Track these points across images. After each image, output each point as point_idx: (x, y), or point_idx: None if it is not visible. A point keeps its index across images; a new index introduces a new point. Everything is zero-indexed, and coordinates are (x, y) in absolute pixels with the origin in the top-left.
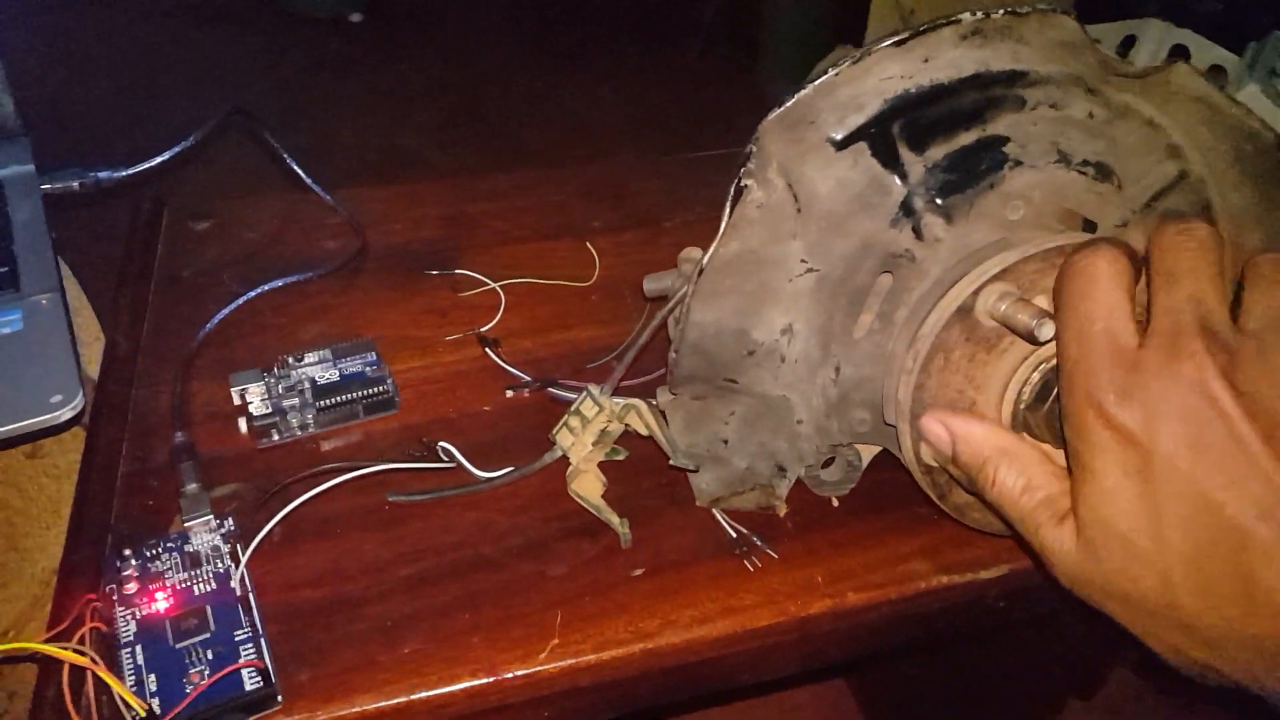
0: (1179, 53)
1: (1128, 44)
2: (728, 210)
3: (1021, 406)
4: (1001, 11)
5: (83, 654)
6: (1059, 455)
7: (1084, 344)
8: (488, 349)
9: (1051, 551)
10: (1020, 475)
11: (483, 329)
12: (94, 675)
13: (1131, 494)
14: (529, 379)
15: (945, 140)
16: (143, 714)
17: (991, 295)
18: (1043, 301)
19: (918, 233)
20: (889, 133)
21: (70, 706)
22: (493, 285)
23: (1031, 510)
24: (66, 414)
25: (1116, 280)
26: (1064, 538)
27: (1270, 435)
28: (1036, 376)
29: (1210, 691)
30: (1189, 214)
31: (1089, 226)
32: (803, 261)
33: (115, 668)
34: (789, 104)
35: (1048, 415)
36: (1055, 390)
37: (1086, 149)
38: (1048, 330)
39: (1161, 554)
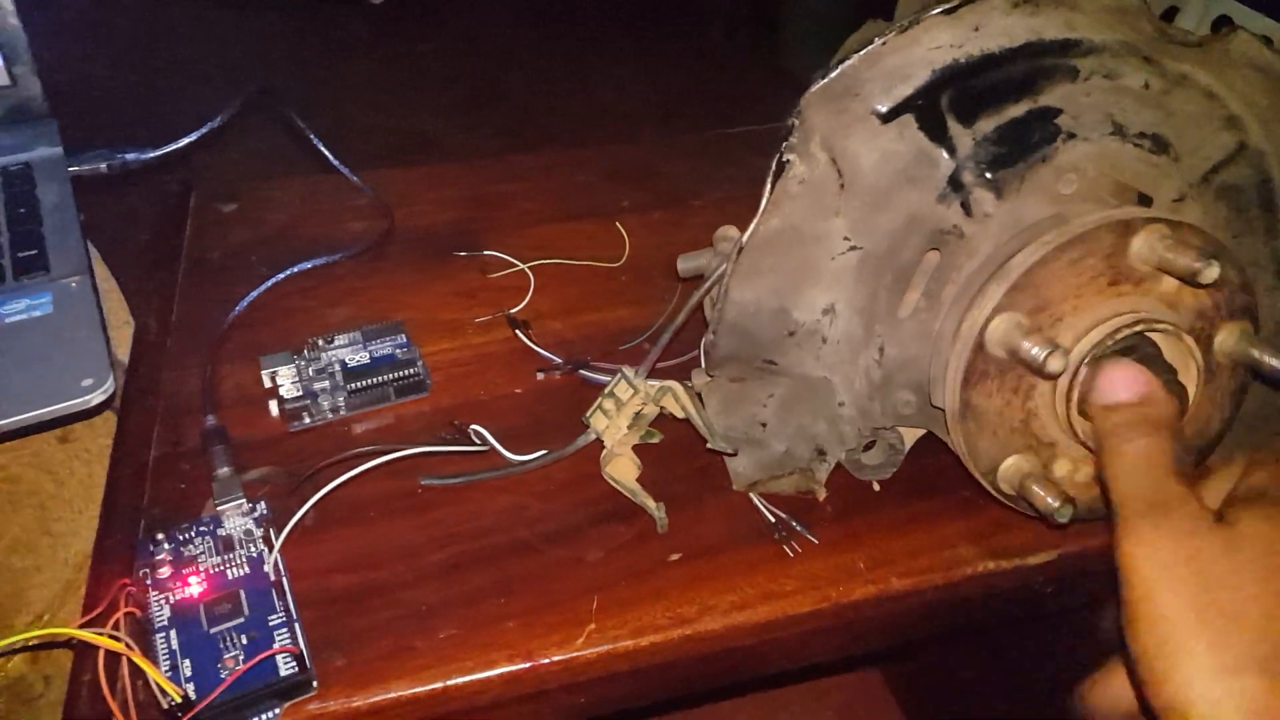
0: (1223, 23)
1: (1170, 15)
2: (768, 186)
3: (1073, 404)
4: None
5: (117, 639)
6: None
7: (1129, 489)
8: (518, 331)
9: (1175, 514)
10: (1180, 456)
11: (512, 310)
12: (129, 660)
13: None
14: (560, 361)
15: (995, 112)
16: (178, 699)
17: (998, 330)
18: (1067, 309)
19: (966, 208)
20: (937, 104)
21: (106, 692)
22: (521, 266)
23: (1176, 475)
24: (97, 398)
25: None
26: (1201, 511)
27: None
28: (1085, 371)
29: None
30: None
31: (1144, 200)
32: (845, 239)
33: (150, 653)
34: (833, 75)
35: None
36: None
37: (1142, 120)
38: (1056, 364)
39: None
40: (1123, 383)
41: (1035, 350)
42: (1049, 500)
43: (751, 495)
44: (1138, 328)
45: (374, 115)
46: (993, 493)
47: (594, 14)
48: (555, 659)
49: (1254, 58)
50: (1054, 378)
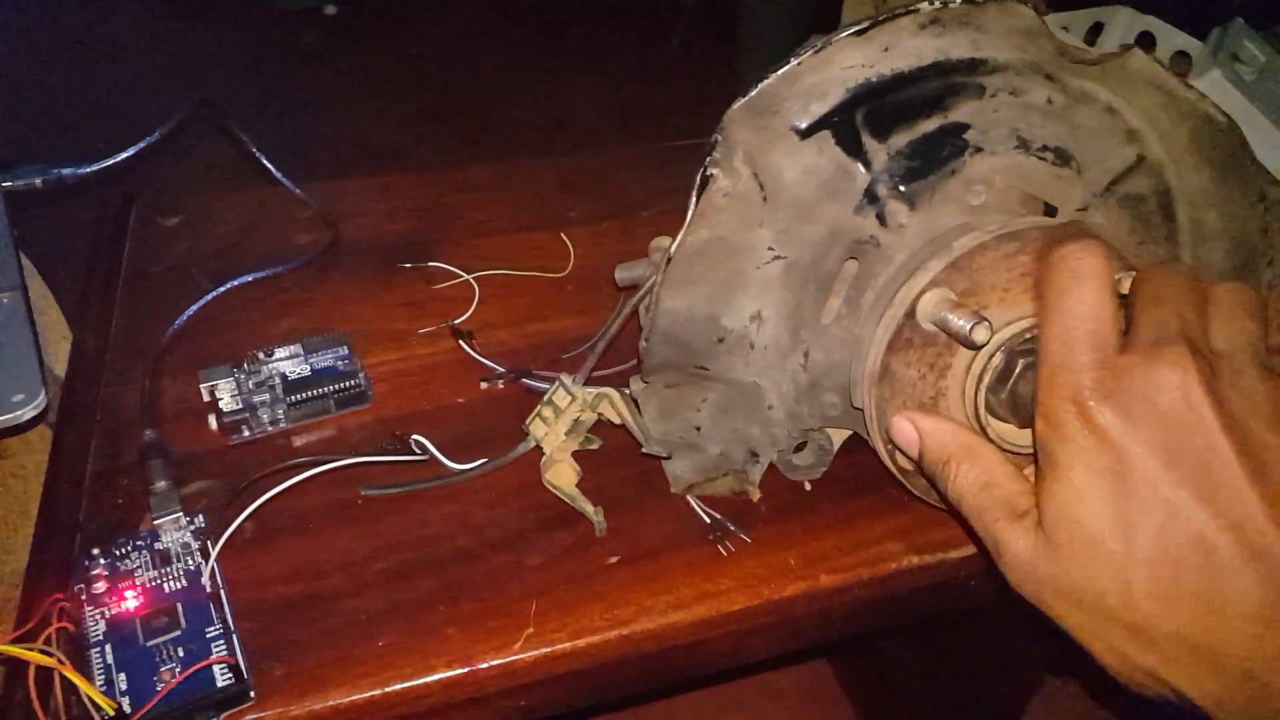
0: (1145, 39)
1: (1096, 31)
2: (694, 198)
3: (984, 387)
4: (960, 0)
5: (49, 654)
6: (1019, 459)
7: (1069, 341)
8: (461, 341)
9: (1005, 546)
10: (982, 472)
11: (456, 321)
12: (61, 676)
13: (1102, 495)
14: (503, 370)
15: (907, 127)
16: (111, 713)
17: (929, 302)
18: (994, 298)
19: (882, 219)
20: (852, 121)
21: (37, 707)
22: (466, 277)
23: (989, 506)
24: (29, 413)
25: (1105, 281)
26: (1020, 534)
27: (1244, 450)
28: (999, 359)
29: (1147, 705)
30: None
31: (1050, 210)
32: (770, 249)
33: (84, 668)
34: (753, 93)
35: (1009, 396)
36: (1017, 371)
37: (1046, 134)
38: (982, 334)
39: (1126, 557)
40: (902, 438)
41: (962, 321)
42: (962, 321)
43: (689, 498)
44: None
45: (330, 126)
46: (890, 466)
47: (554, 24)
48: (493, 663)
49: (1149, 75)
50: (977, 348)
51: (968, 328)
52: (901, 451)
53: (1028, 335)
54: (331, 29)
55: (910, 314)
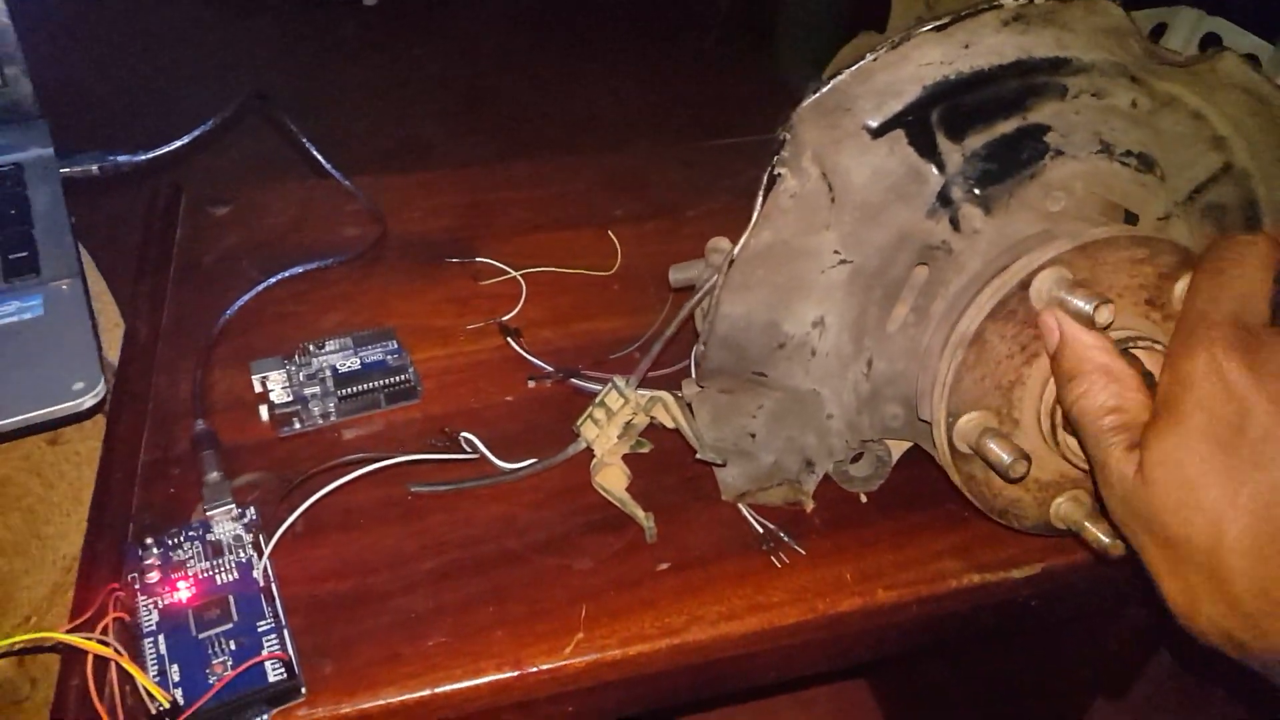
0: (1211, 41)
1: (1158, 31)
2: (760, 200)
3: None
4: None
5: (106, 644)
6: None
7: (1218, 301)
8: (509, 338)
9: (1113, 473)
10: (1114, 396)
11: (504, 318)
12: (117, 665)
13: (1214, 442)
14: (552, 369)
15: (984, 129)
16: (166, 705)
17: (1048, 278)
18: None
19: (955, 224)
20: (927, 120)
21: (95, 697)
22: (513, 274)
23: (1110, 430)
24: (89, 401)
25: (1269, 265)
26: (1130, 463)
27: None
28: None
29: (1214, 659)
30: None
31: (1131, 219)
32: (836, 253)
33: (138, 658)
34: (825, 90)
35: None
36: None
37: (1129, 139)
38: (1105, 314)
39: (1227, 506)
40: (1044, 329)
41: (1082, 303)
42: (1003, 455)
43: (740, 506)
44: (1156, 346)
45: (368, 119)
46: (943, 445)
47: (589, 20)
48: (543, 668)
49: (1241, 79)
50: (1098, 328)
51: (1090, 307)
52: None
53: (1126, 345)
54: (369, 22)
55: (1024, 285)
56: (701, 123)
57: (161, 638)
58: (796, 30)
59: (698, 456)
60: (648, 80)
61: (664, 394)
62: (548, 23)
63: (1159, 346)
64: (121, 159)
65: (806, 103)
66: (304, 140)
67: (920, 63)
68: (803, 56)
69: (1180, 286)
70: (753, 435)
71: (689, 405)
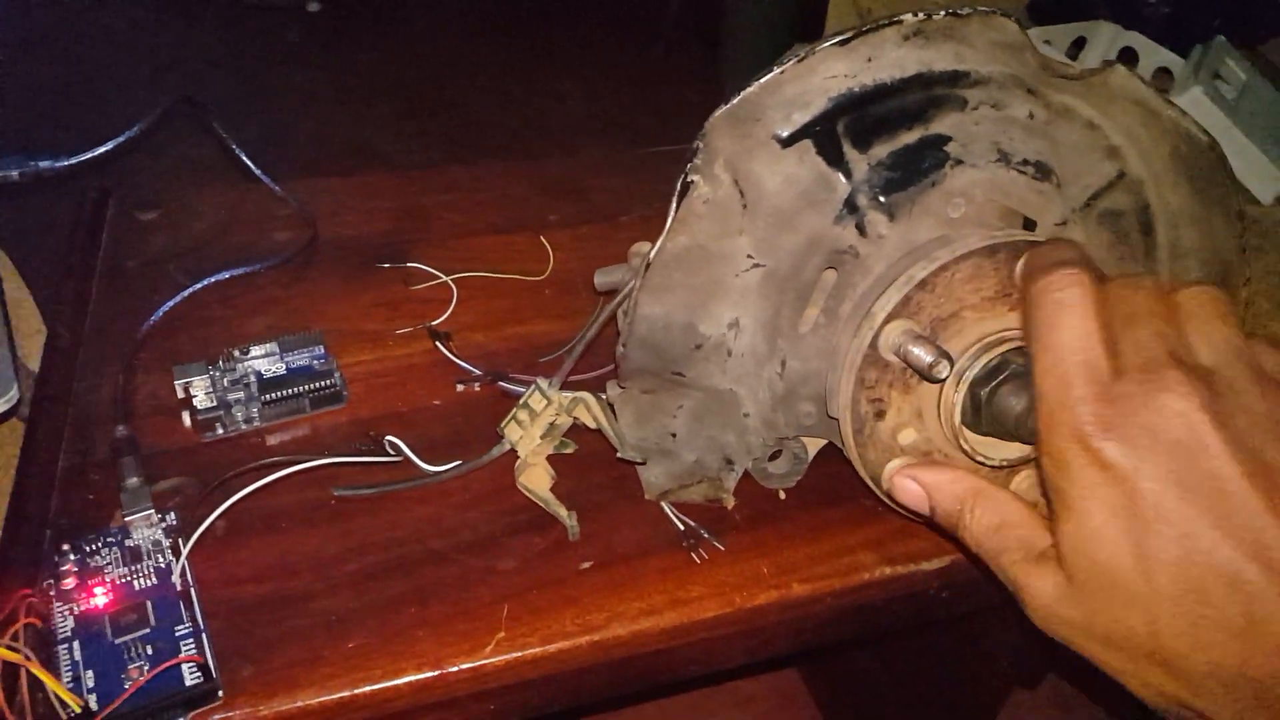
0: (1127, 55)
1: (1079, 45)
2: (674, 205)
3: (958, 413)
4: (944, 13)
5: (15, 650)
6: (1029, 496)
7: (1062, 375)
8: (438, 342)
9: (1026, 589)
10: (995, 513)
11: (434, 322)
12: (28, 672)
13: (1119, 533)
14: (479, 372)
15: (889, 139)
16: (78, 710)
17: (893, 333)
18: (972, 313)
19: (861, 229)
20: (834, 130)
21: (2, 704)
22: (445, 278)
23: (1006, 548)
24: (1, 406)
25: (1090, 308)
26: (1040, 576)
27: (1253, 471)
28: (964, 389)
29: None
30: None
31: (1029, 225)
32: (749, 257)
33: (51, 664)
34: (735, 101)
35: (989, 420)
36: (985, 394)
37: (1027, 148)
38: (942, 370)
39: (1151, 595)
40: (909, 499)
41: (924, 356)
42: (924, 355)
43: (663, 504)
44: (1016, 343)
45: (310, 124)
46: (864, 474)
47: (537, 28)
48: (464, 667)
49: (1131, 91)
50: (939, 383)
51: (927, 362)
52: (909, 510)
53: (987, 356)
54: (314, 27)
55: (873, 345)
56: (649, 130)
57: (77, 644)
58: (742, 41)
59: (619, 456)
60: (598, 88)
61: (586, 395)
62: (496, 31)
63: None
64: (43, 164)
65: (718, 112)
66: (232, 144)
67: (826, 75)
68: (747, 67)
69: (1019, 266)
70: (674, 435)
71: (612, 406)
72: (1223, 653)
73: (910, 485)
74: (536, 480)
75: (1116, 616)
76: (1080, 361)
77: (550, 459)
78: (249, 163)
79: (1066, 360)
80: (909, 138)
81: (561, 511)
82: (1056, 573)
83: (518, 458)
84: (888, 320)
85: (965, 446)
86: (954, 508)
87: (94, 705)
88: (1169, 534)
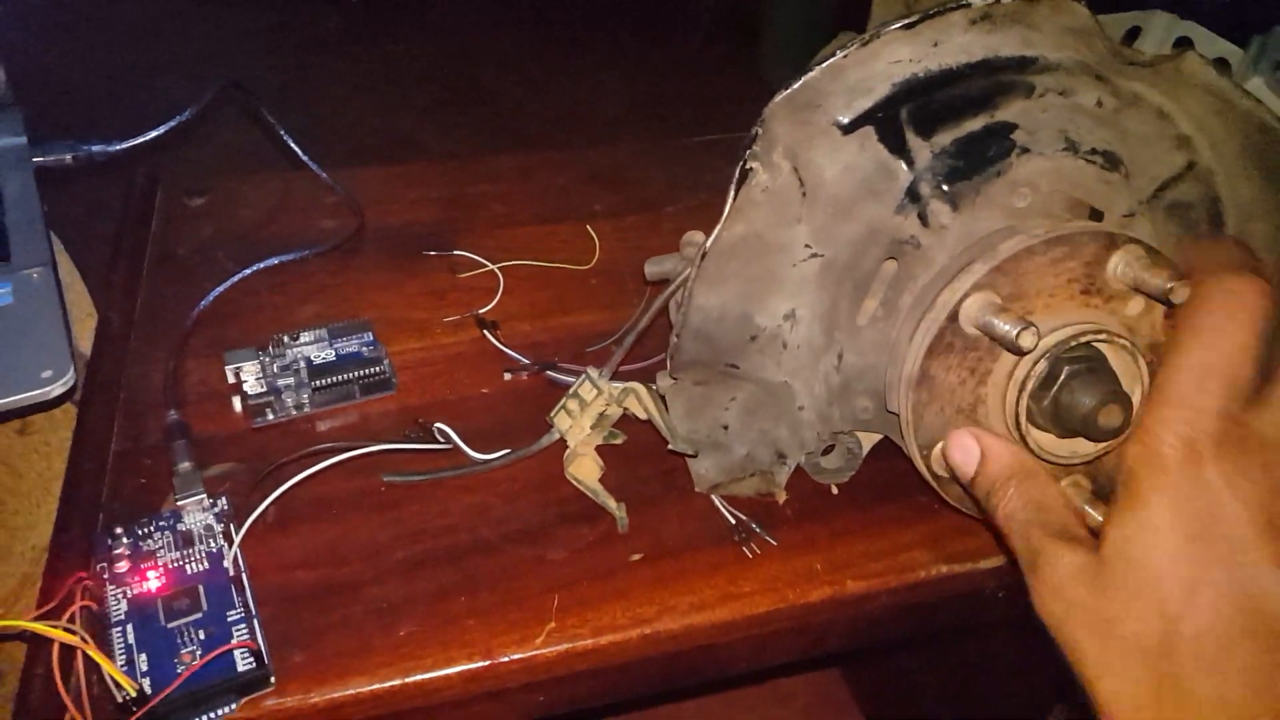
0: (1184, 45)
1: (1132, 35)
2: (732, 193)
3: (1026, 395)
4: None
5: (72, 632)
6: (1057, 470)
7: (1203, 377)
8: (486, 331)
9: (1045, 560)
10: (1040, 491)
11: (481, 311)
12: (84, 654)
13: (1181, 538)
14: (527, 362)
15: (953, 126)
16: (133, 693)
17: (974, 305)
18: (1040, 304)
19: (923, 219)
20: (896, 117)
21: (60, 685)
22: (491, 267)
23: (1041, 521)
24: (57, 389)
25: (1257, 328)
26: (1066, 552)
27: None
28: (1043, 365)
29: None
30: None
31: (1096, 215)
32: (807, 246)
33: (106, 647)
34: (796, 86)
35: (1051, 404)
36: (1061, 379)
37: (1095, 137)
38: (1029, 339)
39: (1185, 607)
40: (959, 451)
41: (1008, 326)
42: (1010, 325)
43: (713, 497)
44: (1101, 337)
45: (349, 113)
46: (924, 472)
47: (576, 17)
48: (514, 657)
49: (1204, 79)
50: (1023, 354)
51: (1014, 332)
52: (950, 467)
53: (1073, 343)
54: (354, 15)
55: (953, 317)
56: (686, 120)
57: (130, 627)
58: (781, 29)
59: (670, 448)
60: (633, 77)
61: (637, 385)
62: (534, 19)
63: (1121, 340)
64: (95, 148)
65: (778, 98)
66: (281, 131)
67: (889, 60)
68: (787, 55)
69: (1113, 264)
70: (725, 427)
71: (663, 397)
72: (1239, 693)
73: (967, 440)
74: (586, 470)
75: (1135, 613)
76: (1227, 373)
77: (599, 450)
78: (297, 149)
79: (1215, 364)
80: (974, 125)
81: (610, 503)
82: (1085, 554)
83: (566, 448)
84: (973, 290)
85: (1029, 442)
86: (1002, 475)
87: (148, 689)
88: (1234, 561)
